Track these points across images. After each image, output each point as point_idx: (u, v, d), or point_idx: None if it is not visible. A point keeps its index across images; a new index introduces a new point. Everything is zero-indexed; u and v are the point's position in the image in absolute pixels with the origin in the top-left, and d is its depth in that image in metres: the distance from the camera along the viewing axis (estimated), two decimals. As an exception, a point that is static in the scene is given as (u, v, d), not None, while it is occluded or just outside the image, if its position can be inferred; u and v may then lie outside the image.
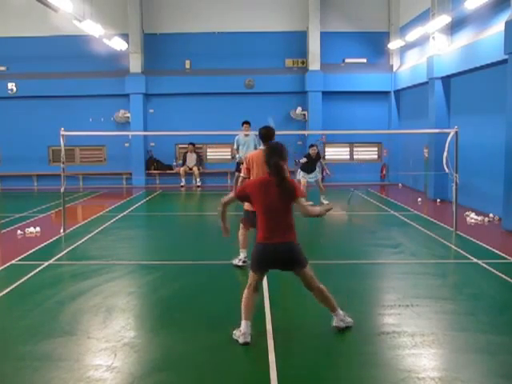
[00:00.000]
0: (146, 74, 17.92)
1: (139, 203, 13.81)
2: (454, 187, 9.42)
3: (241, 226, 7.12)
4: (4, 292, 6.05)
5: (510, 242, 8.81)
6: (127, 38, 17.26)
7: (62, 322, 5.11)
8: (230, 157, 18.36)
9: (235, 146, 13.39)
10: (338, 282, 6.57)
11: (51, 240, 8.95)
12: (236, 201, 4.94)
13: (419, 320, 5.10)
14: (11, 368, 4.16)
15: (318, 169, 13.42)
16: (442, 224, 10.10)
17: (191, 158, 17.59)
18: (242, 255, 7.11)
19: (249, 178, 6.74)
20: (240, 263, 7.10)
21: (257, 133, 13.41)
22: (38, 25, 17.23)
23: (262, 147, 6.97)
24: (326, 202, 12.79)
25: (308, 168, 13.23)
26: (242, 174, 6.89)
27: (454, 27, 12.93)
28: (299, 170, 13.36)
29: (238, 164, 13.48)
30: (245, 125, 13.03)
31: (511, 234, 9.27)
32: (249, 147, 13.13)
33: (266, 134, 6.67)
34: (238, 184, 7.03)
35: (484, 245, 8.31)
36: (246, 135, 13.15)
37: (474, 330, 4.89)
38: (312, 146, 13.28)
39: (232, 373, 4.07)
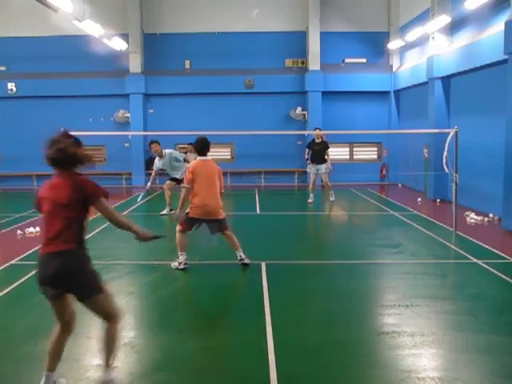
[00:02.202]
0: (146, 74, 17.91)
1: (139, 203, 13.80)
2: (453, 187, 9.42)
3: (178, 227, 7.02)
4: (4, 292, 6.04)
5: (510, 242, 8.81)
6: (127, 38, 17.26)
7: (62, 322, 5.10)
8: (229, 157, 18.45)
9: (154, 169, 12.04)
10: (338, 282, 6.58)
11: (51, 240, 8.93)
12: None
13: (419, 320, 5.10)
14: (11, 368, 4.15)
15: (327, 163, 12.92)
16: (442, 224, 10.10)
17: (191, 158, 17.54)
18: (182, 258, 7.03)
19: (192, 187, 6.79)
20: (182, 266, 7.01)
21: (171, 151, 12.47)
22: (37, 25, 17.24)
23: (201, 158, 6.98)
24: (332, 198, 12.89)
25: (316, 157, 12.85)
26: (185, 184, 6.94)
27: (454, 27, 12.92)
28: (309, 163, 13.12)
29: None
30: (152, 145, 11.63)
31: (511, 234, 9.26)
32: (173, 169, 11.99)
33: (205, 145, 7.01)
34: (182, 194, 7.02)
35: (484, 245, 8.32)
36: (160, 157, 11.75)
37: (473, 330, 4.89)
38: (316, 129, 13.22)
39: (232, 373, 4.07)
